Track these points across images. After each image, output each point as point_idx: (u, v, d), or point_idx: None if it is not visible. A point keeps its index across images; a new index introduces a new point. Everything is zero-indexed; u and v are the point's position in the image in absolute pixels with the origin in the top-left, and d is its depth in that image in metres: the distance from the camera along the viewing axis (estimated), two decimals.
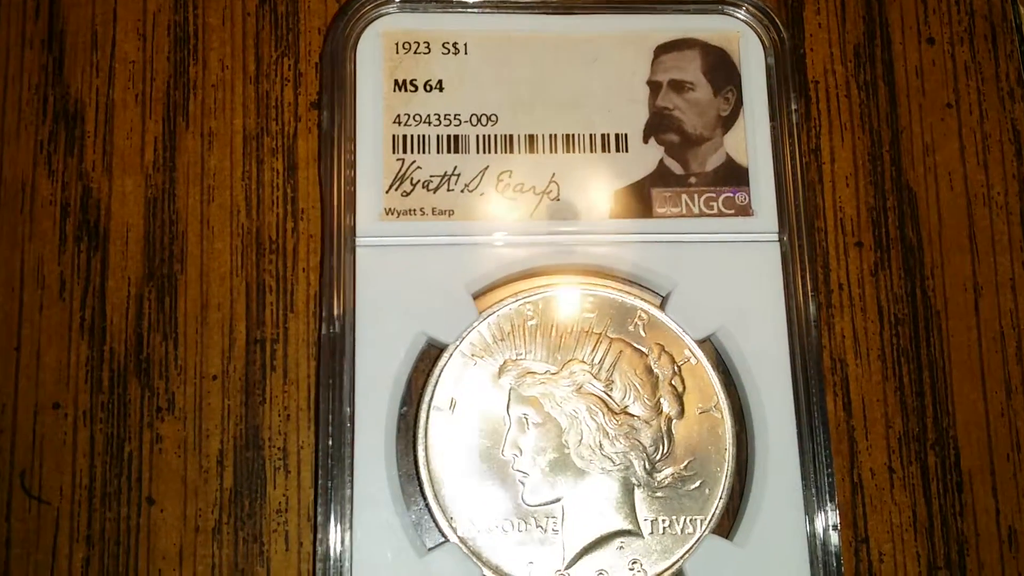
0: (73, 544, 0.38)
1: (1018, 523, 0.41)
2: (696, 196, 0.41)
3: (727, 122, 0.42)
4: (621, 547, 0.38)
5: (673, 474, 0.39)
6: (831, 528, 0.38)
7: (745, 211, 0.41)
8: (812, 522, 0.38)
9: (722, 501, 0.39)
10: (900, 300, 0.42)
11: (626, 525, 0.38)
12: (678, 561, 0.38)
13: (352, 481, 0.37)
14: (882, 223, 0.43)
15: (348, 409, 0.38)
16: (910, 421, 0.41)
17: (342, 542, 0.37)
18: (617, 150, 0.41)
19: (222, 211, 0.41)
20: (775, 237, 0.40)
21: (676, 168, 0.41)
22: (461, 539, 0.38)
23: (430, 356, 0.40)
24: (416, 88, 0.41)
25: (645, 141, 0.41)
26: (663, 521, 0.38)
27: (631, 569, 0.38)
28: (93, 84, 0.42)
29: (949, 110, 0.44)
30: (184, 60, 0.42)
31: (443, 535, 0.38)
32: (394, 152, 0.40)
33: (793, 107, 0.41)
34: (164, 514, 0.39)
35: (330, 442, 0.38)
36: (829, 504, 0.38)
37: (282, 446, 0.40)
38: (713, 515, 0.38)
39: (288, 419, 0.40)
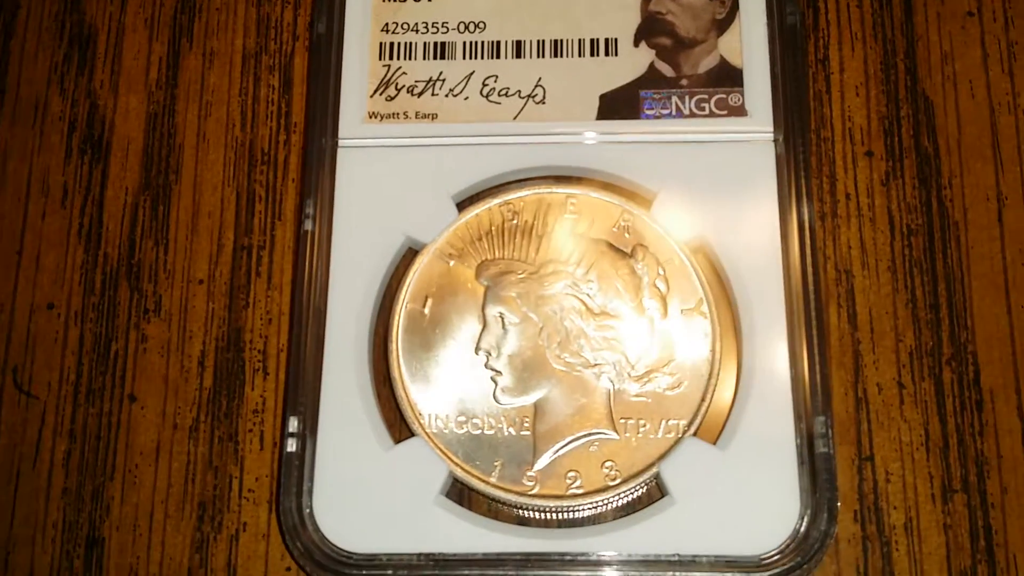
0: (56, 437, 0.39)
1: None
2: (687, 97, 0.39)
3: (722, 25, 0.40)
4: (595, 448, 0.36)
5: (654, 376, 0.37)
6: (820, 436, 0.35)
7: (739, 111, 0.39)
8: (802, 430, 0.36)
9: (705, 404, 0.36)
10: (913, 210, 0.40)
11: (601, 427, 0.36)
12: (655, 462, 0.36)
13: (321, 376, 0.37)
14: (895, 132, 0.41)
15: (321, 306, 0.38)
16: (923, 335, 0.38)
17: (308, 437, 0.36)
18: (606, 54, 0.40)
19: (218, 125, 0.42)
20: (770, 136, 0.39)
21: (667, 71, 0.40)
22: (429, 434, 0.36)
23: (409, 257, 0.39)
24: None
25: (636, 45, 0.40)
26: (641, 423, 0.36)
27: (604, 470, 0.36)
28: (107, 10, 0.44)
29: (971, 18, 0.42)
30: None
31: (411, 431, 0.37)
32: (380, 59, 0.40)
33: (789, 10, 0.40)
34: (144, 411, 0.39)
35: (302, 337, 0.37)
36: (822, 413, 0.36)
37: (262, 348, 0.39)
38: (695, 418, 0.36)
39: (270, 323, 0.40)
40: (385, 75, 0.40)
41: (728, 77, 0.40)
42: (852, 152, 0.41)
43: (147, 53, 0.43)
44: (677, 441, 0.36)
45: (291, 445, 0.36)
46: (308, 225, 0.38)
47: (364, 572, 0.35)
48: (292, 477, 0.36)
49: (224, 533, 0.38)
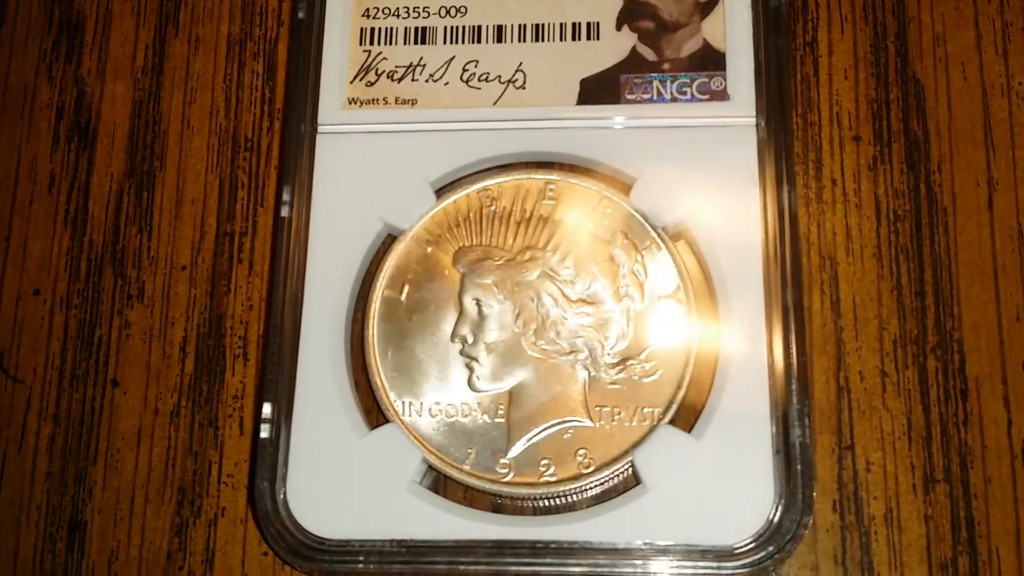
0: (41, 422, 0.39)
1: None
2: (669, 81, 0.39)
3: (706, 8, 0.40)
4: (569, 436, 0.36)
5: (630, 363, 0.36)
6: (797, 425, 0.35)
7: (721, 96, 0.39)
8: (779, 419, 0.35)
9: (681, 392, 0.36)
10: (901, 195, 0.39)
11: (575, 415, 0.36)
12: (628, 451, 0.36)
13: (297, 363, 0.37)
14: (884, 115, 0.40)
15: (299, 292, 0.38)
16: (907, 323, 0.38)
17: (283, 423, 0.36)
18: (588, 38, 0.40)
19: (203, 111, 0.42)
20: (752, 121, 0.38)
21: (649, 55, 0.39)
22: (403, 421, 0.36)
23: (387, 243, 0.39)
24: None
25: (618, 29, 0.40)
26: (616, 411, 0.36)
27: (577, 458, 0.36)
28: None
29: None
30: None
31: (386, 418, 0.37)
32: (361, 44, 0.40)
33: None
34: (127, 396, 0.39)
35: (279, 323, 0.37)
36: (799, 402, 0.35)
37: (243, 335, 0.40)
38: (670, 406, 0.36)
39: (251, 309, 0.40)
40: (365, 60, 0.40)
41: (711, 61, 0.39)
42: (839, 137, 0.40)
43: (134, 40, 0.43)
44: (651, 429, 0.36)
45: (265, 431, 0.36)
46: (285, 212, 0.38)
47: (337, 558, 0.35)
48: (266, 463, 0.36)
49: (203, 517, 0.38)
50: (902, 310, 0.38)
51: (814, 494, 0.35)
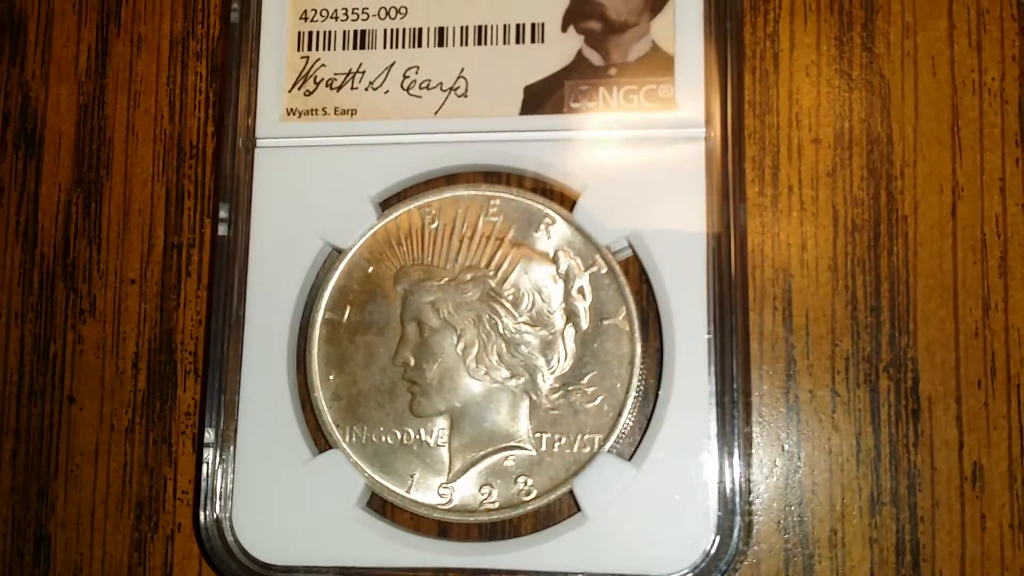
0: (3, 437, 0.40)
1: (985, 458, 0.36)
2: (615, 89, 0.37)
3: (656, 5, 0.37)
4: (509, 462, 0.36)
5: (571, 389, 0.36)
6: (738, 452, 0.34)
7: (668, 104, 0.37)
8: (721, 445, 0.35)
9: (622, 419, 0.36)
10: (860, 203, 0.37)
11: (516, 440, 0.36)
12: (567, 479, 0.35)
13: (239, 387, 0.37)
14: (846, 116, 0.38)
15: (240, 313, 0.37)
16: (861, 340, 0.37)
17: (226, 447, 0.37)
18: (532, 41, 0.38)
19: (147, 117, 0.41)
20: (700, 132, 0.36)
21: (595, 59, 0.37)
22: (345, 447, 0.37)
23: (329, 261, 0.38)
24: None
25: (563, 30, 0.38)
26: (557, 438, 0.36)
27: (517, 485, 0.36)
28: None
29: None
30: None
31: (329, 444, 0.37)
32: (299, 50, 0.39)
33: None
34: (83, 412, 0.40)
35: (220, 346, 0.37)
36: (742, 428, 0.35)
37: (193, 350, 0.40)
38: (611, 433, 0.36)
39: (201, 323, 0.40)
40: (303, 68, 0.39)
41: (659, 66, 0.37)
42: (798, 139, 0.38)
43: (76, 40, 0.42)
44: (592, 457, 0.36)
45: (208, 456, 0.37)
46: (223, 230, 0.38)
47: None
48: (210, 488, 0.36)
49: (160, 533, 0.39)
50: (856, 326, 0.37)
51: (755, 523, 0.34)
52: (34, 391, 0.40)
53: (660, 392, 0.36)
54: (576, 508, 0.36)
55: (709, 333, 0.35)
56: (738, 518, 0.34)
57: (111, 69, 0.42)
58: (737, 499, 0.34)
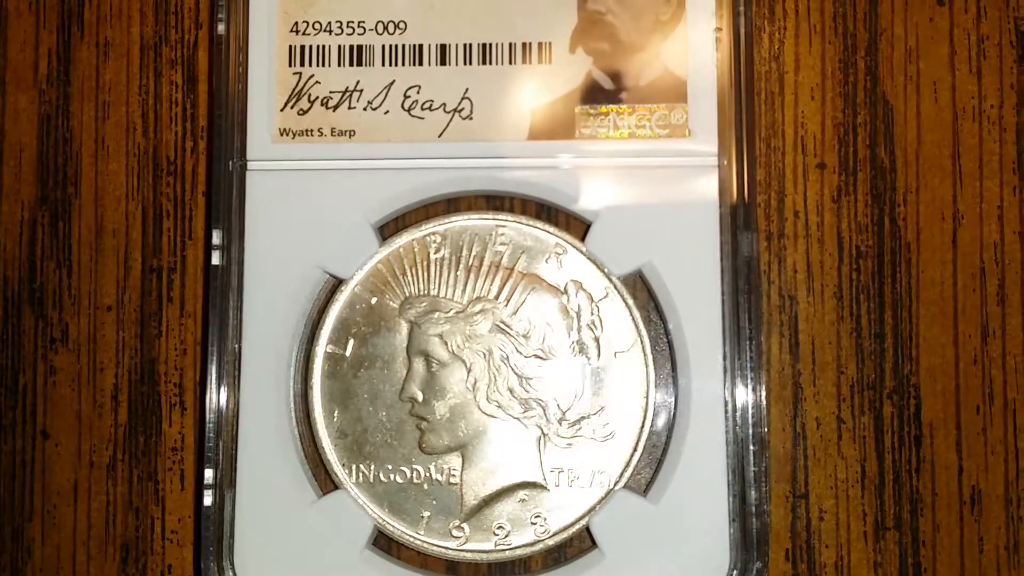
0: None
1: (983, 483, 0.37)
2: (626, 114, 0.36)
3: (667, 28, 0.36)
4: (523, 500, 0.35)
5: (585, 423, 0.35)
6: (755, 486, 0.34)
7: (681, 131, 0.36)
8: (737, 480, 0.35)
9: (637, 454, 0.35)
10: (865, 230, 0.38)
11: (530, 477, 0.35)
12: (584, 517, 0.35)
13: (238, 424, 0.35)
14: (850, 141, 0.38)
15: (236, 346, 0.36)
16: (866, 366, 0.37)
17: (226, 488, 0.35)
18: (540, 61, 0.36)
19: (118, 129, 0.38)
20: (714, 161, 0.36)
21: (605, 82, 0.36)
22: (353, 487, 0.35)
23: (326, 292, 0.37)
24: None
25: (572, 51, 0.37)
26: (572, 474, 0.35)
27: (533, 524, 0.35)
28: None
29: (940, 8, 0.38)
30: None
31: (334, 483, 0.36)
32: (291, 65, 0.37)
33: (741, 7, 0.36)
34: (59, 448, 0.38)
35: (215, 381, 0.35)
36: (759, 461, 0.35)
37: (178, 382, 0.38)
38: (626, 469, 0.35)
39: (185, 353, 0.38)
40: (296, 85, 0.37)
41: (671, 90, 0.36)
42: (803, 164, 0.38)
43: (35, 44, 0.39)
44: (608, 493, 0.35)
45: (208, 498, 0.35)
46: (217, 258, 0.36)
47: None
48: (211, 532, 0.35)
49: (149, 575, 0.37)
50: (860, 353, 0.37)
51: (769, 556, 0.35)
52: (3, 426, 0.38)
53: (675, 426, 0.35)
54: (591, 544, 0.36)
55: (725, 365, 0.35)
56: (757, 554, 0.34)
57: (75, 76, 0.39)
58: (757, 531, 0.34)
